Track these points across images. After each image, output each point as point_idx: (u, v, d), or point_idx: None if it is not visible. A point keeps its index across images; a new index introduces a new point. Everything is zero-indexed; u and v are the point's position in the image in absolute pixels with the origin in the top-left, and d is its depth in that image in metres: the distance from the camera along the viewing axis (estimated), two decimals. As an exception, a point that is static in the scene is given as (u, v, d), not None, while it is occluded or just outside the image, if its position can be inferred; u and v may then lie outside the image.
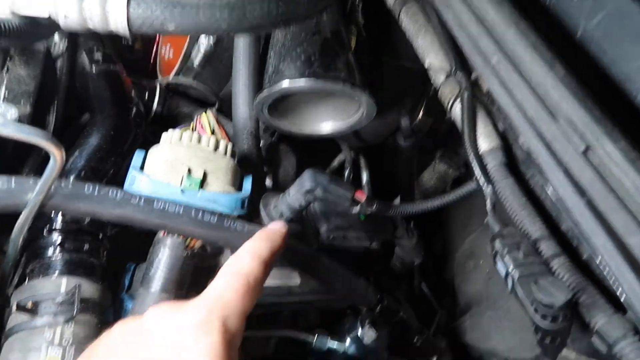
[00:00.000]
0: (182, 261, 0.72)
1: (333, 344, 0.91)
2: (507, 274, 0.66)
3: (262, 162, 0.93)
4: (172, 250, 0.72)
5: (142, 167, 0.71)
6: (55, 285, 0.64)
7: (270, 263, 0.55)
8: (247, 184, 0.76)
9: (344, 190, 0.74)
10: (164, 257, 0.71)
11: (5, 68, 0.74)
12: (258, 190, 0.90)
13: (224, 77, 1.04)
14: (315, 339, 0.91)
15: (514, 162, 0.79)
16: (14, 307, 0.61)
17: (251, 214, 0.77)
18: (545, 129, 0.59)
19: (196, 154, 0.73)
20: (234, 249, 0.77)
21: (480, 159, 0.78)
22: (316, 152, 1.13)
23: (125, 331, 0.47)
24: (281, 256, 0.76)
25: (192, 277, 0.75)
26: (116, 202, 0.61)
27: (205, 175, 0.71)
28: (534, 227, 0.69)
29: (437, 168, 1.32)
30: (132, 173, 0.66)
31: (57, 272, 0.65)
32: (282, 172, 1.00)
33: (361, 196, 0.75)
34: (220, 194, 0.70)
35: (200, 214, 0.67)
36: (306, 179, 0.72)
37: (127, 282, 0.75)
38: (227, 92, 1.06)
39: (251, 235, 0.69)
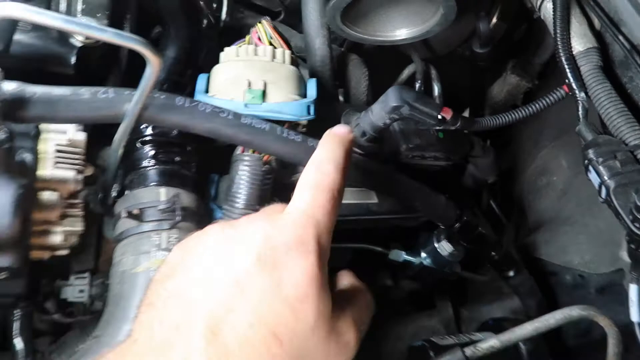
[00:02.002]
0: (262, 176, 0.73)
1: (408, 257, 0.92)
2: (601, 184, 0.64)
3: (335, 73, 0.89)
4: (251, 166, 0.72)
5: (206, 90, 0.72)
6: (155, 194, 0.66)
7: (347, 170, 0.52)
8: (312, 89, 0.75)
9: (431, 108, 0.71)
10: (244, 173, 0.71)
11: (79, -21, 0.71)
12: (332, 103, 0.88)
13: (290, -16, 0.98)
14: (391, 252, 0.92)
15: (610, 65, 0.73)
16: (123, 214, 0.63)
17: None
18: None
19: (254, 66, 0.72)
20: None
21: (573, 61, 0.72)
22: (384, 64, 1.08)
23: (220, 236, 0.46)
24: (360, 175, 0.75)
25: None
26: (206, 115, 0.60)
27: (266, 86, 0.70)
28: (632, 135, 0.65)
29: (508, 80, 1.24)
30: (198, 97, 0.66)
31: (154, 182, 0.67)
32: (354, 84, 0.96)
33: (447, 113, 0.71)
34: (284, 103, 0.70)
35: (285, 132, 0.66)
36: (392, 96, 0.69)
37: (213, 192, 0.77)
38: (293, 1, 1.00)
39: None
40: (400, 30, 0.89)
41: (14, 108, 0.50)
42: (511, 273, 0.98)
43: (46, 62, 0.68)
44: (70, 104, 0.53)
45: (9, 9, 0.42)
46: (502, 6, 1.09)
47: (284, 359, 0.41)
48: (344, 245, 0.98)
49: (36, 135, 0.59)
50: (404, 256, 0.91)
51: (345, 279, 0.54)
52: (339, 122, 0.82)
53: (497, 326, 0.84)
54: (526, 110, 0.80)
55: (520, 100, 1.24)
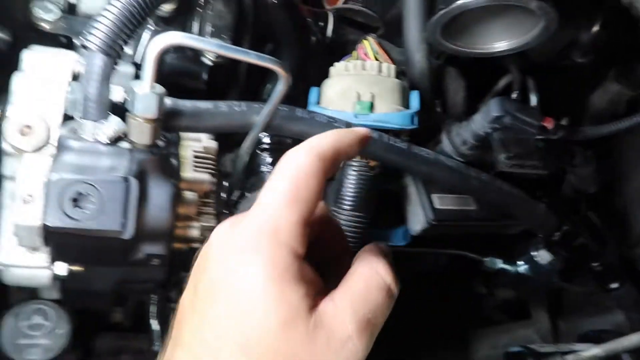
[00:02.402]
0: (369, 181, 0.78)
1: (505, 265, 0.93)
2: None
3: (433, 86, 0.93)
4: (359, 171, 0.77)
5: (318, 102, 0.79)
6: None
7: (333, 161, 0.44)
8: (415, 100, 0.79)
9: (533, 118, 0.73)
10: (352, 177, 0.77)
11: (209, 6, 0.81)
12: (430, 115, 0.92)
13: (390, 1, 1.03)
14: (487, 260, 0.93)
15: None
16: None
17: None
18: None
19: (362, 80, 0.78)
20: (417, 175, 0.81)
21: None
22: (480, 75, 1.10)
23: (201, 254, 0.45)
24: (459, 182, 0.78)
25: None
26: (322, 124, 0.67)
27: (373, 98, 0.76)
28: None
29: (610, 88, 1.20)
30: (311, 108, 0.73)
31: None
32: (452, 95, 0.99)
33: (549, 123, 0.73)
34: (389, 114, 0.75)
35: (392, 140, 0.71)
36: (494, 107, 0.72)
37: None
38: (391, 15, 1.05)
39: (437, 163, 0.72)
40: (499, 42, 0.91)
41: (169, 119, 0.59)
42: (614, 285, 0.96)
43: (182, 79, 0.78)
44: (212, 115, 0.61)
45: (173, 38, 0.50)
46: (605, 14, 1.06)
47: None
48: (440, 251, 1.01)
49: (178, 142, 0.68)
50: (500, 264, 0.92)
51: (358, 261, 0.46)
52: (436, 132, 0.86)
53: (598, 337, 0.83)
54: (633, 119, 0.79)
55: (622, 109, 1.20)
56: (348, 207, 0.75)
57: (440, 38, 0.89)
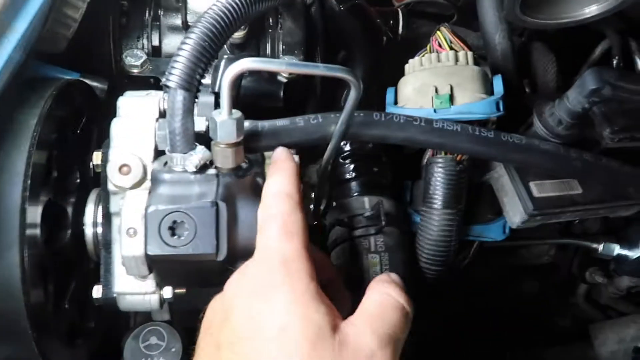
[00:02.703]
0: (457, 176, 0.75)
1: (623, 251, 0.84)
2: None
3: (518, 65, 0.87)
4: (445, 168, 0.74)
5: (395, 102, 0.77)
6: (360, 203, 0.73)
7: (293, 190, 0.54)
8: (498, 85, 0.75)
9: (638, 84, 0.65)
10: (439, 175, 0.74)
11: (279, 25, 0.83)
12: (519, 96, 0.86)
13: (461, -15, 0.99)
14: (602, 246, 0.85)
15: None
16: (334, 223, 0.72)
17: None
18: None
19: (439, 73, 0.75)
20: (509, 163, 0.76)
21: None
22: (572, 46, 1.01)
23: (212, 311, 0.50)
24: (559, 165, 0.72)
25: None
26: (401, 125, 0.65)
27: (452, 90, 0.72)
28: None
29: None
30: (389, 109, 0.71)
31: (358, 192, 0.75)
32: (541, 73, 0.92)
33: (660, 86, 0.65)
34: (471, 104, 0.71)
35: (477, 131, 0.67)
36: (589, 79, 0.66)
37: (408, 198, 0.82)
38: (465, 0, 1.01)
39: (530, 148, 0.67)
40: (589, 7, 0.83)
41: (249, 141, 0.61)
42: None
43: (260, 99, 0.81)
44: (290, 132, 0.63)
45: (243, 65, 0.52)
46: None
47: None
48: (545, 242, 0.94)
49: (262, 161, 0.71)
50: (618, 250, 0.84)
51: (371, 288, 0.52)
52: (529, 115, 0.80)
53: None
54: None
55: None
56: (438, 206, 0.73)
57: (520, 14, 0.83)
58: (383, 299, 0.50)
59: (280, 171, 0.56)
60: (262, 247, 0.50)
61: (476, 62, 0.78)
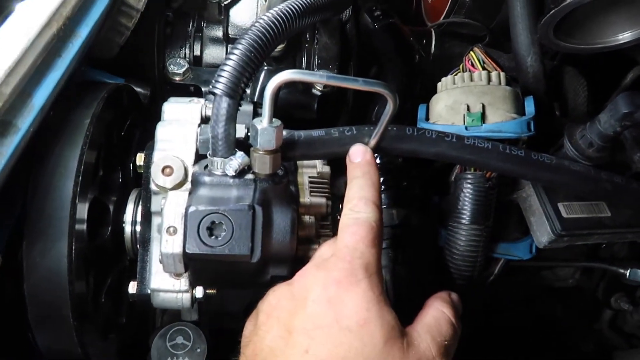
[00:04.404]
0: (486, 193, 0.76)
1: (651, 276, 0.83)
2: None
3: (550, 89, 0.88)
4: (474, 184, 0.76)
5: (427, 118, 0.79)
6: (388, 215, 0.75)
7: (379, 201, 0.57)
8: (530, 106, 0.76)
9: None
10: (468, 191, 0.76)
11: (315, 40, 0.86)
12: (549, 120, 0.87)
13: (494, 8, 1.01)
14: (629, 272, 0.85)
15: None
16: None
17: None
18: None
19: (471, 91, 0.76)
20: (538, 182, 0.77)
21: None
22: (604, 71, 1.02)
23: (279, 297, 0.53)
24: (589, 187, 0.73)
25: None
26: (432, 140, 0.67)
27: (484, 109, 0.74)
28: None
29: None
30: (420, 124, 0.73)
31: (386, 204, 0.77)
32: (571, 96, 0.93)
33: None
34: (503, 123, 0.73)
35: (507, 149, 0.68)
36: (622, 103, 0.67)
37: (436, 212, 0.83)
38: (498, 22, 1.03)
39: (560, 169, 0.69)
40: (623, 33, 0.84)
41: (286, 149, 0.63)
42: None
43: (295, 110, 0.84)
44: (325, 142, 0.65)
45: (286, 76, 0.55)
46: None
47: None
48: (571, 264, 0.94)
49: (295, 170, 0.73)
50: (646, 276, 0.83)
51: (429, 303, 0.57)
52: (557, 137, 0.81)
53: None
54: None
55: None
56: (466, 221, 0.74)
57: (554, 38, 0.85)
58: (439, 314, 0.55)
59: (367, 176, 0.59)
60: (345, 245, 0.53)
61: (508, 83, 0.80)
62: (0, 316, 0.63)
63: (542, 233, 0.75)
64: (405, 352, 0.49)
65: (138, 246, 0.67)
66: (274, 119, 0.57)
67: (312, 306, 0.50)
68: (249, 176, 0.59)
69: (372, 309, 0.49)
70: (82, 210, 0.62)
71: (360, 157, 0.61)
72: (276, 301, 0.53)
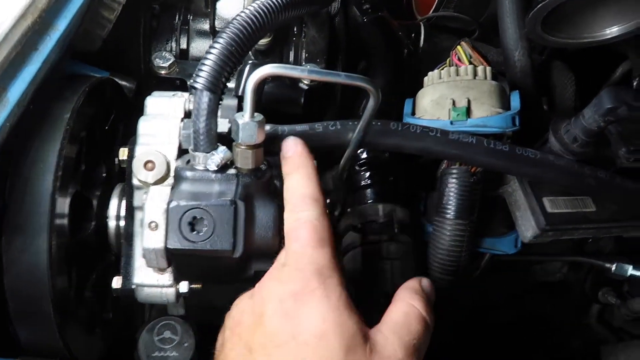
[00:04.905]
0: (471, 187, 0.76)
1: (637, 271, 0.84)
2: None
3: (537, 83, 0.88)
4: (459, 179, 0.76)
5: (413, 113, 0.79)
6: (374, 210, 0.75)
7: (318, 193, 0.54)
8: (515, 100, 0.76)
9: (655, 105, 0.66)
10: (453, 185, 0.76)
11: (303, 33, 0.85)
12: (536, 113, 0.87)
13: (483, 2, 1.00)
14: (614, 266, 0.85)
15: None
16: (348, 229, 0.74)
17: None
18: None
19: (457, 86, 0.76)
20: (523, 177, 0.77)
21: None
22: (590, 66, 1.01)
23: (241, 312, 0.51)
24: (573, 182, 0.73)
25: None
26: (417, 135, 0.66)
27: (469, 103, 0.74)
28: None
29: None
30: (406, 119, 0.72)
31: (372, 199, 0.77)
32: (559, 91, 0.93)
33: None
34: (488, 118, 0.73)
35: (491, 144, 0.68)
36: (606, 98, 0.67)
37: (422, 208, 0.83)
38: (487, 16, 1.02)
39: (544, 163, 0.68)
40: (610, 28, 0.84)
41: (269, 144, 0.63)
42: None
43: (281, 105, 0.83)
44: (309, 137, 0.64)
45: (266, 70, 0.54)
46: None
47: None
48: (557, 258, 0.94)
49: (279, 165, 0.73)
50: (631, 271, 0.84)
51: (398, 296, 0.54)
52: (545, 131, 0.81)
53: None
54: None
55: None
56: (451, 216, 0.74)
57: (542, 32, 0.84)
58: (408, 309, 0.51)
59: (301, 170, 0.56)
60: (294, 252, 0.51)
61: (494, 78, 0.79)
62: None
63: (527, 228, 0.75)
64: (369, 357, 0.46)
65: (122, 241, 0.66)
66: (256, 114, 0.56)
67: (270, 322, 0.48)
68: (232, 171, 0.59)
69: (329, 318, 0.46)
70: (63, 204, 0.62)
71: (291, 151, 0.58)
72: (239, 316, 0.51)
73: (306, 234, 0.50)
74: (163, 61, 0.83)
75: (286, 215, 0.54)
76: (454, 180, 0.75)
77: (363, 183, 0.79)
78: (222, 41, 0.56)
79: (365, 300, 0.56)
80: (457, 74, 0.77)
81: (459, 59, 0.81)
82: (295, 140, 0.59)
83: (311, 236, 0.50)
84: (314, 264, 0.49)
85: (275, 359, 0.46)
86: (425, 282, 0.56)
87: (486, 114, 0.73)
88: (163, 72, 0.84)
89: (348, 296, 0.49)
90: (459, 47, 0.82)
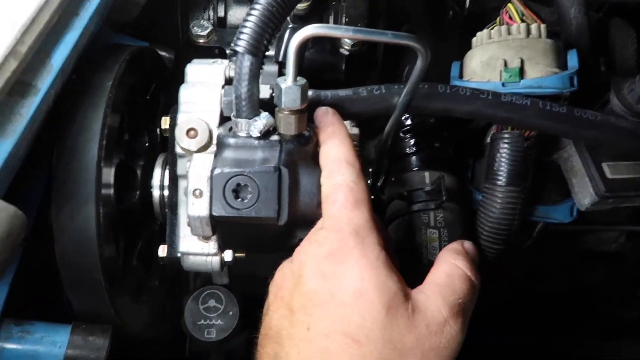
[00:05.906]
0: (524, 153, 0.72)
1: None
2: None
3: (594, 42, 0.82)
4: (511, 143, 0.72)
5: (460, 76, 0.75)
6: (421, 178, 0.72)
7: (354, 157, 0.54)
8: (573, 59, 0.71)
9: None
10: (504, 151, 0.72)
11: (343, -3, 0.82)
12: (593, 75, 0.81)
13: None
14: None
15: None
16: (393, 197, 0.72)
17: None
18: None
19: (509, 46, 0.72)
20: (582, 140, 0.73)
21: None
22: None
23: (282, 277, 0.52)
24: (634, 146, 0.68)
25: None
26: (466, 98, 0.63)
27: (522, 63, 0.69)
28: None
29: None
30: (454, 82, 0.69)
31: (418, 167, 0.74)
32: (619, 50, 0.86)
33: None
34: (543, 78, 0.68)
35: (547, 105, 0.64)
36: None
37: (470, 175, 0.80)
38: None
39: (605, 125, 0.64)
40: (677, -23, 0.77)
41: (312, 109, 0.61)
42: None
43: (322, 72, 0.81)
44: (353, 102, 0.62)
45: (309, 30, 0.52)
46: None
47: (371, 354, 0.43)
48: (615, 228, 0.90)
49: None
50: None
51: (440, 258, 0.53)
52: (603, 94, 0.76)
53: None
54: None
55: None
56: (502, 182, 0.70)
57: (602, -15, 0.79)
58: (451, 269, 0.51)
59: (336, 136, 0.56)
60: (331, 215, 0.51)
61: (549, 36, 0.74)
62: (37, 279, 0.64)
63: (585, 195, 0.71)
64: (411, 319, 0.45)
65: (167, 210, 0.67)
66: (298, 77, 0.54)
67: (308, 283, 0.48)
68: (274, 137, 0.58)
69: (367, 277, 0.46)
70: (108, 174, 0.62)
71: (323, 120, 0.58)
72: (280, 280, 0.52)
73: (342, 196, 0.51)
74: (201, 30, 0.82)
75: (323, 180, 0.55)
76: (506, 145, 0.71)
77: (408, 150, 0.77)
78: (262, 2, 0.54)
79: (412, 269, 0.55)
80: (509, 33, 0.73)
81: (510, 17, 0.76)
82: (326, 109, 0.59)
83: (347, 198, 0.50)
84: (351, 225, 0.49)
85: (316, 318, 0.46)
86: (467, 244, 0.56)
87: (541, 75, 0.68)
88: (201, 40, 0.82)
89: (387, 256, 0.48)
90: (510, 4, 0.77)
